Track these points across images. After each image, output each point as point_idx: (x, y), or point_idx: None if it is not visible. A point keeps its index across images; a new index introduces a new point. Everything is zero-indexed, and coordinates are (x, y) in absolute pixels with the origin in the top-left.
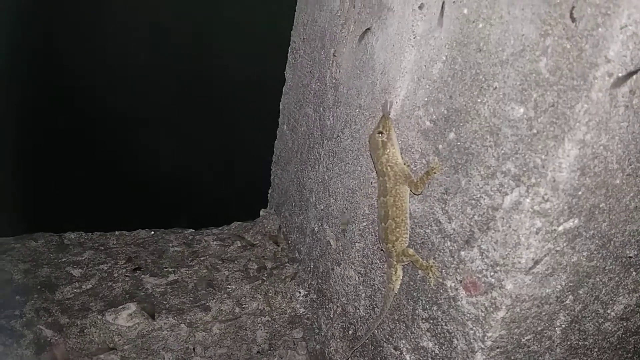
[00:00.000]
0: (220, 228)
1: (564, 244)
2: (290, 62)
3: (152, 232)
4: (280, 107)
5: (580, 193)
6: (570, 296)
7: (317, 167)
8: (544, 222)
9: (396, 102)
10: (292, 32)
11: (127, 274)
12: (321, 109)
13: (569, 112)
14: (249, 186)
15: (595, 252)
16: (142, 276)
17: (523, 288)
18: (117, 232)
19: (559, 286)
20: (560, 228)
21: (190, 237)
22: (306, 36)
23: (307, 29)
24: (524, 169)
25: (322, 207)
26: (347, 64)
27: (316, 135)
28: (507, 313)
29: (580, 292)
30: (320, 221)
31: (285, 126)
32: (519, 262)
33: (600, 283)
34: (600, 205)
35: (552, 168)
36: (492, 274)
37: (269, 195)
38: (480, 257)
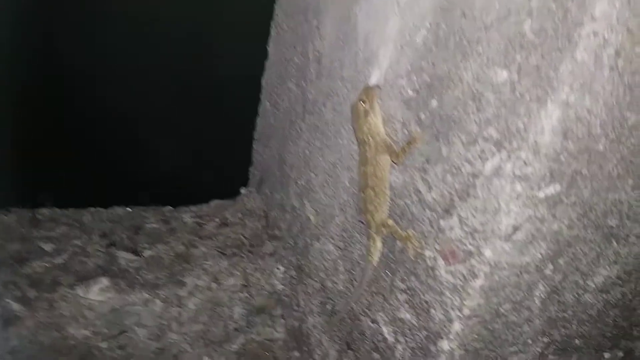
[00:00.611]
0: (199, 206)
1: (545, 211)
2: (273, 36)
3: (129, 209)
4: (263, 82)
5: (562, 158)
6: (550, 265)
7: (298, 142)
8: (524, 187)
9: (379, 72)
10: (275, 5)
11: (100, 249)
12: (303, 82)
13: (553, 73)
14: (230, 164)
15: (576, 220)
16: (117, 251)
17: (502, 255)
18: (92, 209)
19: (539, 255)
20: (541, 194)
21: (168, 215)
22: (289, 9)
23: (290, 1)
24: (506, 133)
25: (302, 183)
26: (330, 36)
27: (298, 109)
28: (485, 281)
29: (560, 261)
30: (300, 197)
31: (267, 102)
32: (499, 229)
33: (581, 253)
34: (583, 172)
35: (534, 131)
36: (471, 241)
37: (250, 173)
38: (459, 225)
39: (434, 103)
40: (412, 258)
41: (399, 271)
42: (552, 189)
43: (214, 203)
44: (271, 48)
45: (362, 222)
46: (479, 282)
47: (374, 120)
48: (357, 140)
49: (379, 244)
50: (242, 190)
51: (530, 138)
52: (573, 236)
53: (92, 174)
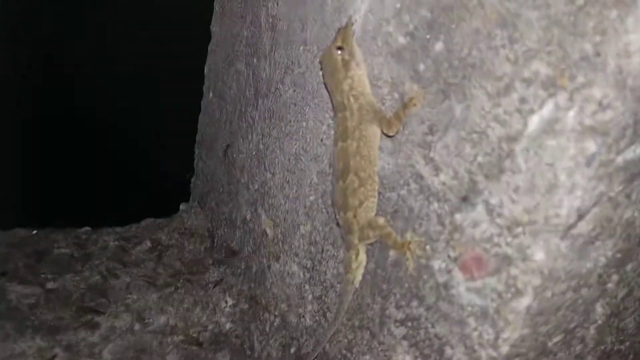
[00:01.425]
0: (126, 227)
1: (619, 188)
2: (216, 11)
3: (35, 231)
4: (206, 70)
5: None
6: (615, 275)
7: (249, 136)
8: (600, 145)
9: (355, 20)
10: None
11: None
12: (254, 60)
13: None
14: (170, 177)
15: None
16: (7, 284)
17: (558, 260)
18: None
19: (603, 258)
20: (620, 159)
21: (84, 237)
22: None
23: None
24: (564, 65)
25: (256, 187)
26: None
27: (249, 95)
28: (534, 300)
29: (628, 269)
30: (253, 205)
31: (211, 93)
32: (557, 215)
33: None
34: None
35: (616, 53)
36: (509, 239)
37: (191, 184)
38: (488, 217)
39: (438, 46)
40: (413, 273)
41: (394, 294)
42: (633, 152)
43: (146, 222)
44: (215, 27)
45: (339, 225)
46: (524, 302)
47: (358, 73)
48: (333, 105)
49: (362, 256)
50: (182, 207)
51: (610, 64)
52: None
53: None
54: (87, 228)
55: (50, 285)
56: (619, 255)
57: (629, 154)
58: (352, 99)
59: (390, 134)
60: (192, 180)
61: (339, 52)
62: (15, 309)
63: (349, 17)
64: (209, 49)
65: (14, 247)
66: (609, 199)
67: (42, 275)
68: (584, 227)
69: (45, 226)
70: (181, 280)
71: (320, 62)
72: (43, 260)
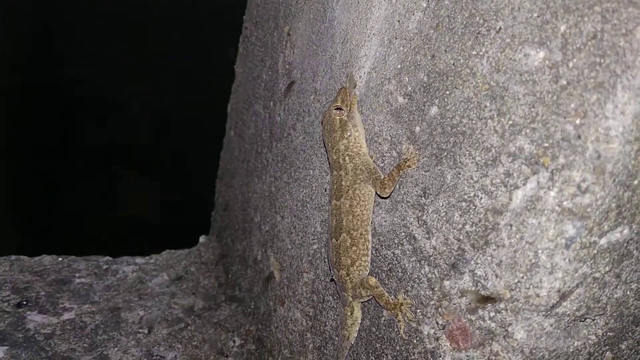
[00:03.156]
0: (146, 257)
1: (606, 269)
2: (240, 53)
3: (60, 259)
4: (228, 109)
5: (637, 182)
6: (609, 353)
7: (263, 177)
8: (579, 229)
9: (359, 77)
10: (244, 16)
11: (7, 309)
12: (271, 103)
13: (624, 41)
14: (193, 209)
15: None
16: (27, 313)
17: (541, 338)
18: (13, 257)
19: (593, 337)
20: (603, 241)
21: (104, 267)
22: (259, 18)
23: (260, 9)
24: (546, 144)
25: (267, 229)
26: (302, 42)
27: (265, 137)
28: None
29: (623, 346)
30: (264, 247)
31: (232, 131)
32: (537, 296)
33: None
34: None
35: (595, 137)
36: (492, 314)
37: (211, 218)
38: (473, 287)
39: (433, 110)
40: (404, 336)
41: (386, 355)
42: (619, 234)
43: (166, 253)
44: (239, 67)
45: (334, 281)
46: None
47: (354, 134)
48: (329, 164)
49: (357, 313)
50: (201, 239)
51: (589, 148)
52: None
53: (23, 217)
54: (108, 257)
55: (66, 315)
56: (610, 334)
57: (614, 236)
58: (347, 159)
59: (384, 196)
60: (212, 213)
61: (338, 112)
62: (32, 339)
63: (350, 75)
64: (232, 89)
65: (38, 275)
66: (594, 280)
67: (61, 305)
68: (568, 306)
69: (69, 253)
70: (192, 317)
71: (321, 122)
72: (63, 290)
